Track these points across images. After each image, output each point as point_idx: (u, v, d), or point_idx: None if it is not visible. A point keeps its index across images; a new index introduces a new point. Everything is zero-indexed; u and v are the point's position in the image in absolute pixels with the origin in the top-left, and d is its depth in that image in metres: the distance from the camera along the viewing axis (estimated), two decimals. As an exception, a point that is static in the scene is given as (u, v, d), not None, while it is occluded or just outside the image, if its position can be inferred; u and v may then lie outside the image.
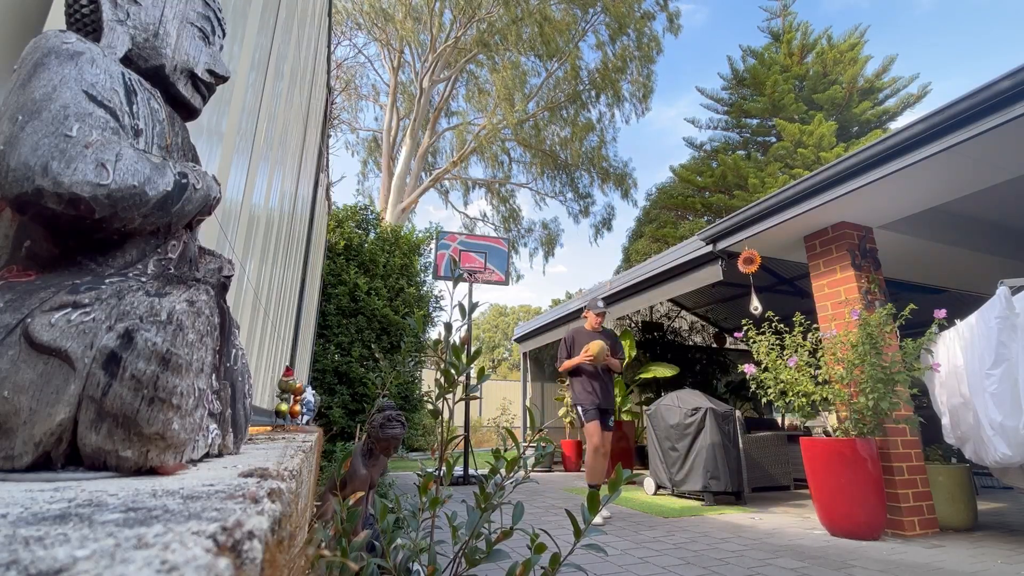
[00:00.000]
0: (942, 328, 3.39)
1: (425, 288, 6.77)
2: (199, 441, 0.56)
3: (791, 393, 3.56)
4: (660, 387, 8.26)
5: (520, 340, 9.31)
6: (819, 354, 3.57)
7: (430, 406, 1.00)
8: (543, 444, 0.99)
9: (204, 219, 0.74)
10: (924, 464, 3.55)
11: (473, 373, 0.99)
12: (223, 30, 0.88)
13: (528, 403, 9.50)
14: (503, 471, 0.94)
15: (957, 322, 3.37)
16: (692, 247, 4.91)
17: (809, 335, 3.66)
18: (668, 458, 4.89)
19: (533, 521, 3.49)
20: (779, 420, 8.20)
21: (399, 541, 0.95)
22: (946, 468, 3.53)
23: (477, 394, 0.99)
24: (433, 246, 6.66)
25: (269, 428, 2.13)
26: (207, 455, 0.66)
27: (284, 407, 2.19)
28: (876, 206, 3.72)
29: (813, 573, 2.38)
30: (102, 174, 0.54)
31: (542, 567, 0.82)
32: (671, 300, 7.99)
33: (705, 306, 8.31)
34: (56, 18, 0.72)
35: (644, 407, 6.57)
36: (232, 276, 0.79)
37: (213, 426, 0.65)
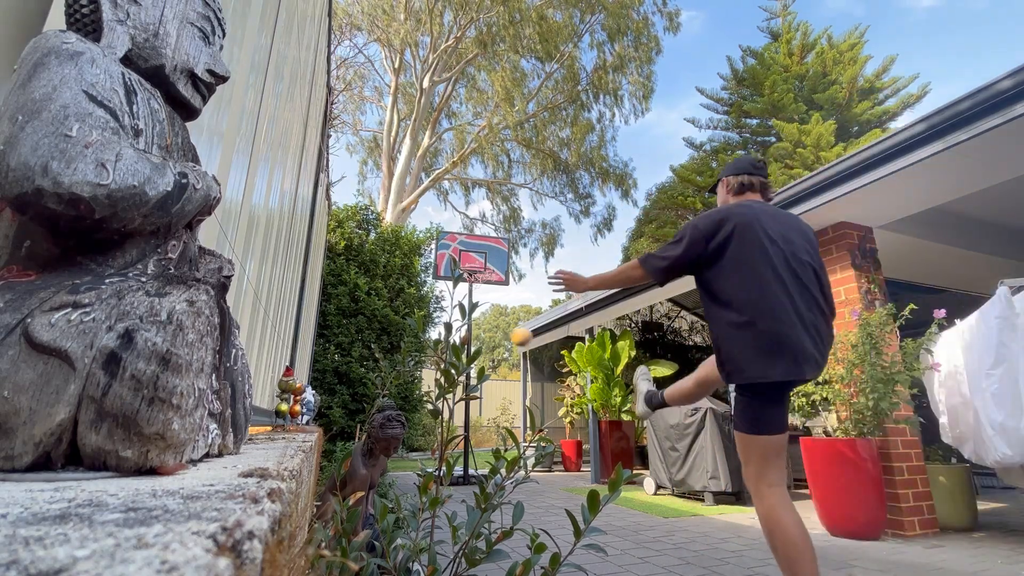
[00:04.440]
0: (942, 328, 3.39)
1: (425, 288, 6.78)
2: (199, 441, 0.56)
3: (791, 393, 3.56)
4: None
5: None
6: (819, 354, 3.56)
7: (430, 406, 1.00)
8: (543, 444, 0.99)
9: (204, 219, 0.74)
10: (924, 464, 3.55)
11: (473, 373, 0.99)
12: (223, 30, 0.88)
13: (528, 403, 9.50)
14: (503, 471, 0.94)
15: (957, 322, 3.37)
16: (692, 247, 4.90)
17: (809, 335, 3.65)
18: (668, 458, 4.89)
19: (533, 521, 3.49)
20: (779, 420, 8.19)
21: (399, 541, 0.95)
22: (946, 468, 3.53)
23: (477, 394, 0.99)
24: (433, 246, 6.66)
25: (269, 428, 2.13)
26: (207, 455, 0.66)
27: (284, 407, 2.19)
28: (876, 206, 3.72)
29: (813, 573, 2.37)
30: (102, 174, 0.54)
31: (542, 567, 0.82)
32: (671, 300, 7.99)
33: (705, 306, 8.30)
34: (56, 18, 0.72)
35: (644, 407, 6.56)
36: (232, 276, 0.79)
37: (213, 426, 0.65)
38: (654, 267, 1.83)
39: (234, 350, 0.75)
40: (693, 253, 1.77)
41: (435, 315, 7.06)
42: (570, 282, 2.13)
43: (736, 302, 1.66)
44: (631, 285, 1.97)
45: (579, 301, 7.06)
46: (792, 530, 1.47)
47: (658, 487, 5.06)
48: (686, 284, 5.14)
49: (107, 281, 0.54)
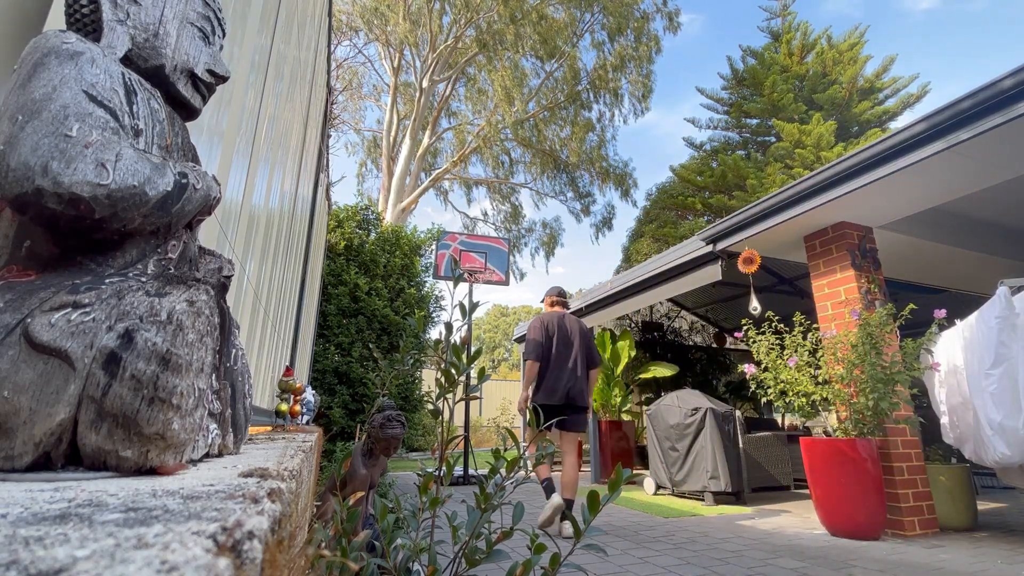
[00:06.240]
0: (942, 328, 3.39)
1: (426, 288, 6.77)
2: (199, 441, 0.56)
3: (791, 393, 3.56)
4: (660, 387, 8.26)
5: (520, 340, 9.31)
6: (819, 354, 3.57)
7: (430, 406, 1.00)
8: (543, 444, 0.99)
9: (204, 219, 0.74)
10: (924, 464, 3.55)
11: (473, 373, 0.99)
12: (223, 30, 0.88)
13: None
14: (503, 471, 0.94)
15: (957, 322, 3.37)
16: (692, 247, 4.90)
17: (809, 335, 3.66)
18: (668, 458, 4.89)
19: (533, 521, 3.49)
20: (779, 420, 8.20)
21: (399, 541, 0.95)
22: (946, 468, 3.53)
23: (477, 394, 0.99)
24: (434, 246, 6.66)
25: (269, 428, 2.13)
26: (207, 455, 0.66)
27: (284, 407, 2.19)
28: (876, 206, 3.72)
29: (813, 573, 2.38)
30: (102, 174, 0.54)
31: (542, 567, 0.82)
32: (671, 300, 7.99)
33: (705, 306, 8.31)
34: (56, 18, 0.72)
35: (644, 407, 6.57)
36: (232, 276, 0.79)
37: (213, 426, 0.65)
38: (531, 356, 3.46)
39: (234, 350, 0.75)
40: (541, 336, 3.51)
41: (435, 315, 7.06)
42: (523, 401, 3.58)
43: (544, 371, 3.47)
44: (533, 375, 3.48)
45: (578, 301, 7.06)
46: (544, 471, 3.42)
47: (658, 487, 5.06)
48: (685, 284, 5.14)
49: (107, 281, 0.54)
